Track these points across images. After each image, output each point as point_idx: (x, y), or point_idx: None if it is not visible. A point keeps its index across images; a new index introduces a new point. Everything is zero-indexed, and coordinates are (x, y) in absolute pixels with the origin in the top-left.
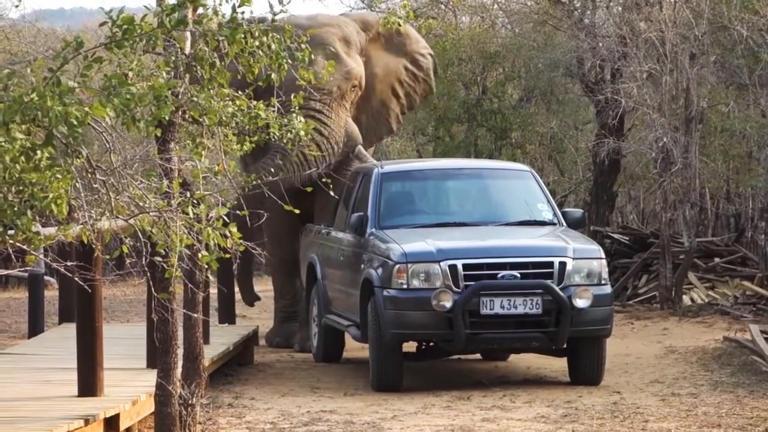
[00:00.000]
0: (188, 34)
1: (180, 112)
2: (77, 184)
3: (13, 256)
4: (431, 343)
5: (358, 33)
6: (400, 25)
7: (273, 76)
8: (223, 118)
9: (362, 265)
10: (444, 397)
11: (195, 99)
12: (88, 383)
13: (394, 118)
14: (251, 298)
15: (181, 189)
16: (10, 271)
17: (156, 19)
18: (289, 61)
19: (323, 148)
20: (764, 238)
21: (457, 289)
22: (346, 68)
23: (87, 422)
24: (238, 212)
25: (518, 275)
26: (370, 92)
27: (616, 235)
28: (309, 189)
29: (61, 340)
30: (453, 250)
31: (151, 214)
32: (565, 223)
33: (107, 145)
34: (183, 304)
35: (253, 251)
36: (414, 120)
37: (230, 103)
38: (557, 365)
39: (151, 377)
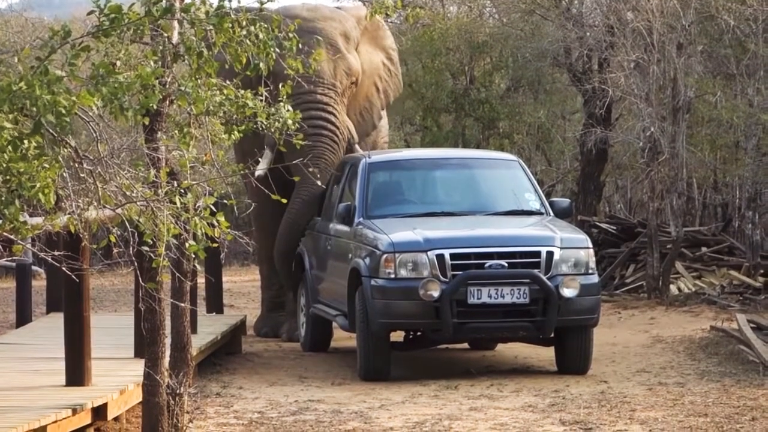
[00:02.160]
0: (176, 23)
1: (167, 102)
2: (65, 174)
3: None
4: (419, 333)
5: (355, 28)
6: (388, 15)
7: (260, 65)
8: (211, 107)
9: (350, 255)
10: (431, 387)
11: (182, 88)
12: (76, 373)
13: (377, 114)
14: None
15: (169, 178)
16: None
17: (143, 8)
18: (277, 50)
19: (337, 138)
20: (751, 228)
21: (444, 279)
22: (347, 64)
23: (75, 412)
24: (224, 201)
25: (505, 265)
26: (358, 89)
27: (603, 225)
28: (296, 179)
29: (48, 330)
30: (440, 239)
31: (138, 203)
32: (552, 213)
33: (95, 135)
34: (170, 293)
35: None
36: (402, 110)
37: (218, 92)
38: (544, 354)
39: (139, 367)
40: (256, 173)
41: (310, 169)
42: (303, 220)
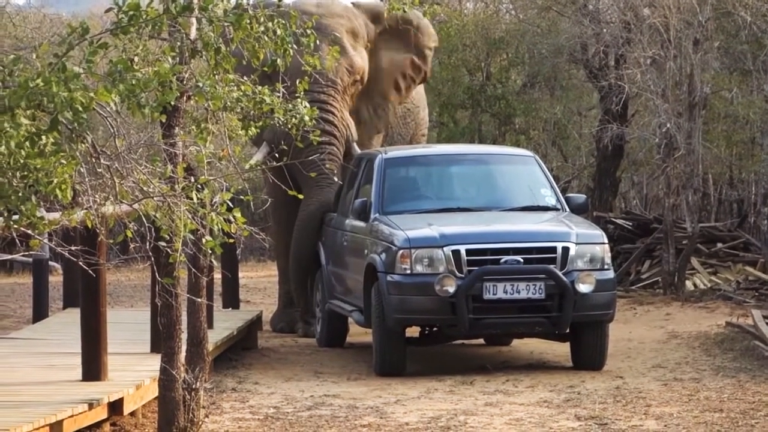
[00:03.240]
0: (194, 19)
1: (185, 98)
2: (82, 169)
3: (17, 241)
4: (434, 328)
5: (366, 25)
6: (405, 11)
7: (278, 61)
8: (228, 103)
9: (366, 251)
10: (447, 382)
11: (200, 84)
12: (92, 368)
13: (392, 112)
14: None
15: (186, 174)
16: (14, 256)
17: (162, 5)
18: (295, 46)
19: (335, 137)
20: (767, 224)
21: (460, 274)
22: (350, 61)
23: (91, 406)
24: (241, 197)
25: (521, 260)
26: (373, 86)
27: (619, 221)
28: (313, 174)
29: (65, 325)
30: (456, 235)
31: (155, 199)
32: (568, 209)
33: (112, 131)
34: (187, 289)
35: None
36: None
37: (235, 88)
38: (560, 350)
39: (155, 362)
40: (246, 166)
41: (312, 174)
42: (316, 222)
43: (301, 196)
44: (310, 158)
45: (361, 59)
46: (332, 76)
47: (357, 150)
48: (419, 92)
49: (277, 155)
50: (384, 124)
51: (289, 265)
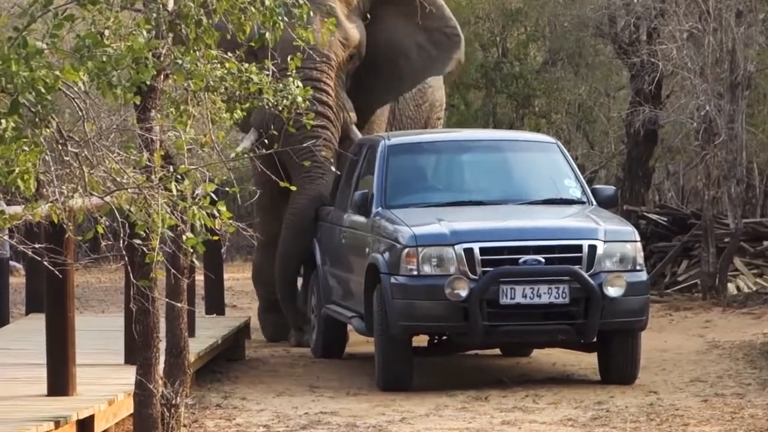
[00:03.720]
0: None
1: (162, 77)
2: (46, 157)
3: None
4: (444, 337)
5: None
6: None
7: (267, 35)
8: (211, 82)
9: (367, 249)
10: (459, 398)
11: (179, 61)
12: (59, 381)
13: (405, 84)
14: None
15: (163, 162)
16: None
17: None
18: (286, 19)
19: (331, 120)
20: None
21: (473, 276)
22: (344, 34)
23: (57, 424)
24: (226, 188)
25: (542, 260)
26: (379, 55)
27: (652, 216)
28: (306, 163)
29: (28, 333)
30: (469, 231)
31: (129, 190)
32: (595, 202)
33: (80, 114)
34: (165, 292)
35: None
36: None
37: (219, 65)
38: (586, 361)
39: (130, 374)
40: (232, 154)
41: (305, 163)
42: (307, 220)
43: (294, 188)
44: (303, 145)
45: (356, 30)
46: (325, 50)
47: (356, 134)
48: None
49: (266, 141)
50: (393, 95)
51: (276, 266)
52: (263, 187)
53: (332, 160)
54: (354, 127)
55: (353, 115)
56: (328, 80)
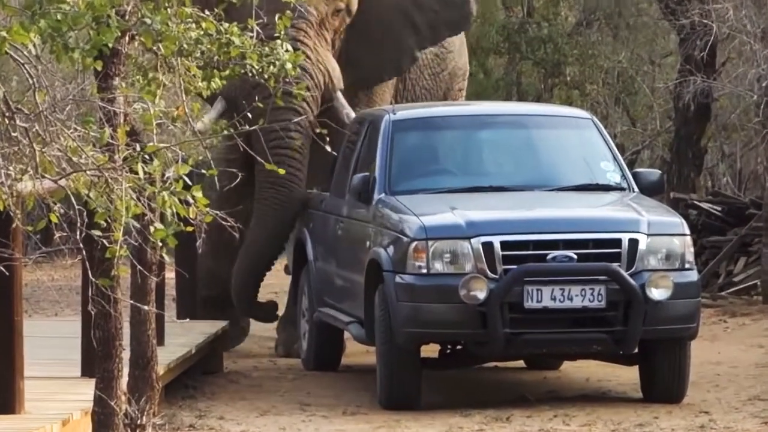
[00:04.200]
0: None
1: (127, 38)
2: None
3: None
4: (458, 347)
5: None
6: None
7: None
8: (185, 45)
9: (367, 243)
10: (475, 418)
11: (147, 21)
12: (4, 397)
13: (408, 54)
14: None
15: (128, 140)
16: None
17: None
18: None
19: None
20: None
21: (493, 275)
22: None
23: None
24: (202, 171)
25: (575, 257)
26: (370, 18)
27: (704, 205)
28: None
29: None
30: (488, 222)
31: (88, 172)
32: (636, 188)
33: (30, 82)
34: (130, 293)
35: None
36: None
37: (194, 26)
38: (625, 376)
39: (88, 389)
40: (196, 127)
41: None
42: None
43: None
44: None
45: None
46: (304, 3)
47: (340, 99)
48: None
49: (234, 115)
50: (392, 70)
51: (240, 267)
52: (226, 167)
53: (303, 144)
54: (340, 97)
55: (339, 82)
56: (307, 40)
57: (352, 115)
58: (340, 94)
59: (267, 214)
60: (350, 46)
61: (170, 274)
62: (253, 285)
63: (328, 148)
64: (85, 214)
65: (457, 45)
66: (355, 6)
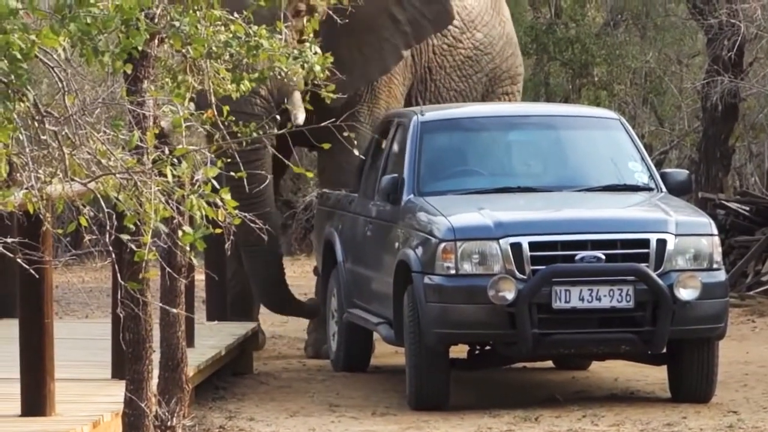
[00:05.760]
0: None
1: (156, 41)
2: (20, 136)
3: None
4: (487, 347)
5: None
6: None
7: None
8: (214, 48)
9: (396, 244)
10: (504, 418)
11: (176, 24)
12: (35, 399)
13: (393, 53)
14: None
15: (158, 142)
16: None
17: None
18: None
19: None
20: None
21: (521, 276)
22: None
23: None
24: (231, 173)
25: (603, 257)
26: (355, 18)
27: (732, 205)
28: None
29: None
30: (517, 223)
31: (117, 175)
32: (664, 188)
33: (60, 85)
34: (160, 295)
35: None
36: None
37: (222, 28)
38: (653, 376)
39: (118, 391)
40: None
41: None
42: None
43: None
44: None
45: None
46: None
47: (295, 99)
48: (492, 30)
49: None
50: (377, 70)
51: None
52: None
53: (265, 163)
54: (295, 98)
55: (299, 84)
56: None
57: (300, 118)
58: (297, 95)
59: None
60: (338, 48)
61: (200, 276)
62: (275, 291)
63: (356, 152)
64: (114, 217)
65: (498, 47)
66: (321, 7)
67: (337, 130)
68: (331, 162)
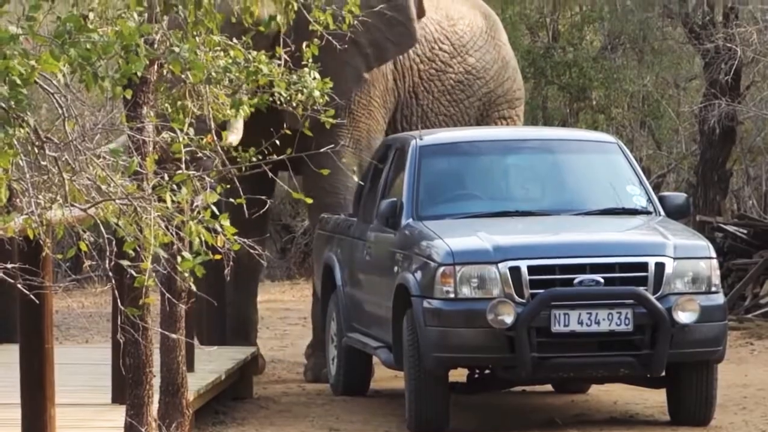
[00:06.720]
0: None
1: (156, 67)
2: (20, 162)
3: None
4: (486, 371)
5: None
6: None
7: (278, 18)
8: (213, 73)
9: (395, 268)
10: None
11: (176, 49)
12: (36, 424)
13: (354, 76)
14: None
15: (157, 168)
16: None
17: None
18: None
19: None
20: None
21: (520, 300)
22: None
23: None
24: (231, 199)
25: (601, 280)
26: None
27: (730, 228)
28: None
29: None
30: (515, 247)
31: (117, 201)
32: (662, 212)
33: (60, 111)
34: (159, 320)
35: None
36: None
37: (222, 54)
38: (653, 399)
39: (119, 416)
40: (230, 139)
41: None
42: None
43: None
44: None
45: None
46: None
47: (231, 138)
48: (486, 54)
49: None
50: (339, 93)
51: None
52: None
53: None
54: (232, 122)
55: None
56: None
57: (231, 139)
58: (239, 121)
59: None
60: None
61: None
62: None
63: (355, 178)
64: (114, 242)
65: (493, 71)
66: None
67: (317, 154)
68: (315, 186)
